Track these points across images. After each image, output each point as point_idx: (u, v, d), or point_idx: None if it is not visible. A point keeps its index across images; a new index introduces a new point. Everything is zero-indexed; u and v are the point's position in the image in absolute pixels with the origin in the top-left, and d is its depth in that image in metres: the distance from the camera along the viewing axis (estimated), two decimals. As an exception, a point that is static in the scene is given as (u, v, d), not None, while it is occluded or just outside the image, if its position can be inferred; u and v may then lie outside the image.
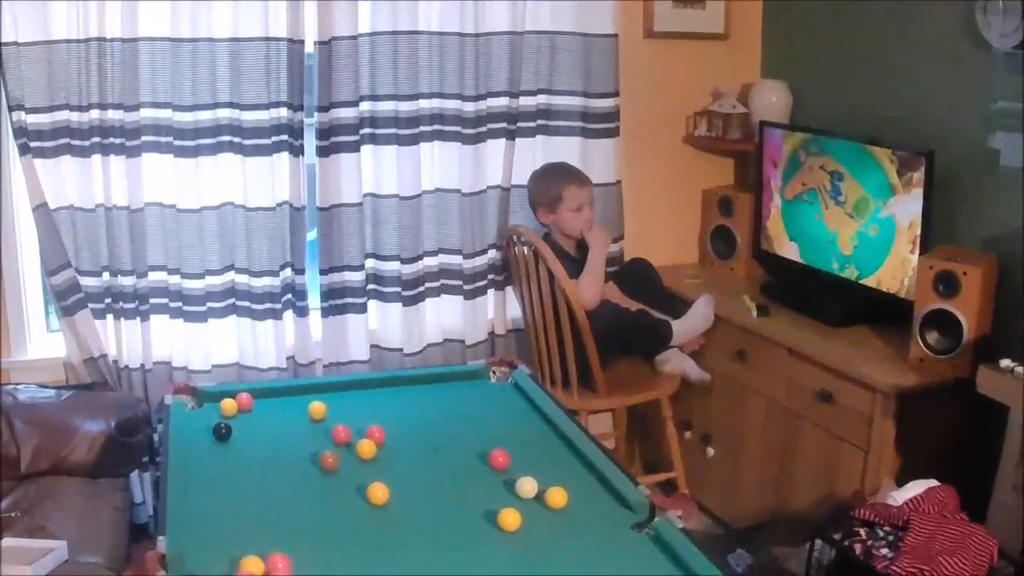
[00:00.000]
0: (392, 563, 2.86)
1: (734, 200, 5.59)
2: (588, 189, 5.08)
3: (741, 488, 5.04)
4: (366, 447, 3.43)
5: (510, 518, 2.98)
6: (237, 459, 3.46)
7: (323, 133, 4.91)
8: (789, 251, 5.22)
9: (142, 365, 4.99)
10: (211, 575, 2.74)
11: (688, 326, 5.04)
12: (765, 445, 4.87)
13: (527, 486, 3.16)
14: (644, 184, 5.65)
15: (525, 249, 4.88)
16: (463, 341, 5.32)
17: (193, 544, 2.86)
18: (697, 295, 5.13)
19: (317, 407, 3.74)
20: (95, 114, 4.70)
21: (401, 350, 5.23)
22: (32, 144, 4.66)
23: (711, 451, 5.24)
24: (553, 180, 5.07)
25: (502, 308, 5.41)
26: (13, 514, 4.41)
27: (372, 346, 5.22)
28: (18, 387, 4.87)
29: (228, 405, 3.74)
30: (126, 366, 4.99)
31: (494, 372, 4.17)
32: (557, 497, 3.11)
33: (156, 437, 4.88)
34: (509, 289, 5.38)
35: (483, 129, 5.13)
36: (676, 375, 5.08)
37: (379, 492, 3.13)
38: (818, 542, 3.76)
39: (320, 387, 4.08)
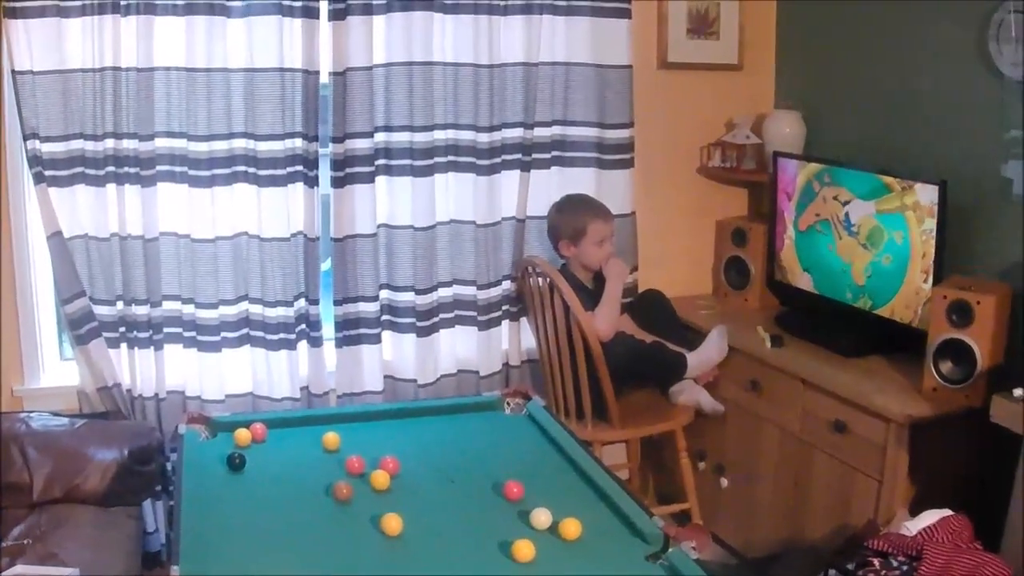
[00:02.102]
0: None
1: (748, 231, 5.58)
2: (611, 223, 5.10)
3: (755, 518, 5.02)
4: (380, 478, 3.42)
5: (524, 549, 2.97)
6: (251, 489, 3.45)
7: (338, 164, 4.93)
8: (803, 282, 5.21)
9: (156, 394, 5.00)
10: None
11: (702, 357, 5.04)
12: (779, 475, 4.86)
13: (541, 517, 3.15)
14: (658, 215, 5.66)
15: (540, 280, 4.88)
16: (477, 372, 5.32)
17: (207, 573, 2.86)
18: (711, 326, 5.13)
19: (331, 438, 3.73)
20: (110, 143, 4.72)
21: (415, 381, 5.23)
22: (47, 173, 4.69)
23: (725, 482, 5.22)
24: (578, 213, 5.06)
25: (516, 339, 5.41)
26: (25, 541, 4.41)
27: (386, 377, 5.23)
28: (31, 415, 4.88)
29: (242, 435, 3.73)
30: (140, 395, 5.00)
31: (508, 403, 4.16)
32: (571, 528, 3.09)
33: (169, 466, 4.90)
34: (524, 320, 5.38)
35: (498, 160, 5.15)
36: (690, 406, 5.07)
37: (393, 523, 3.12)
38: (832, 572, 3.75)
39: (334, 418, 4.07)
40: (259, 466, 3.58)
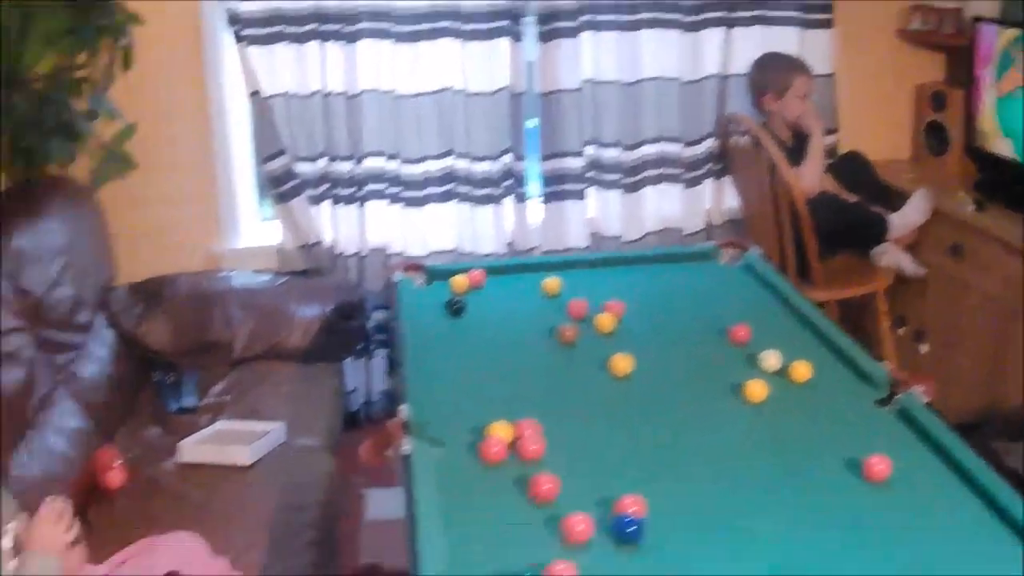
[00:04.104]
0: (641, 432, 2.86)
1: (947, 95, 5.44)
2: (813, 80, 5.06)
3: (955, 384, 4.94)
4: (605, 320, 3.41)
5: (757, 389, 2.96)
6: (473, 333, 3.47)
7: (544, 18, 4.90)
8: (1003, 148, 5.08)
9: (358, 252, 5.04)
10: (456, 441, 2.76)
11: (905, 219, 4.96)
12: (980, 340, 4.78)
13: (771, 359, 3.12)
14: (857, 76, 5.53)
15: (744, 138, 4.82)
16: (681, 230, 5.27)
17: (435, 413, 2.87)
18: (912, 189, 5.03)
19: (551, 283, 3.73)
20: (310, 1, 4.73)
21: (619, 238, 5.21)
22: (246, 32, 4.72)
23: (925, 347, 5.15)
24: (784, 67, 5.04)
25: (719, 197, 5.35)
26: (227, 398, 4.49)
27: (591, 233, 5.20)
28: (232, 273, 4.95)
29: (459, 282, 3.74)
30: (341, 252, 5.05)
31: (724, 254, 4.10)
32: (802, 370, 3.07)
33: (370, 325, 4.94)
34: (727, 179, 5.32)
35: (701, 18, 5.07)
36: (892, 268, 5.01)
37: (622, 363, 3.11)
38: (1033, 439, 3.69)
39: (551, 265, 4.04)
40: (479, 311, 3.59)
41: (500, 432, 2.71)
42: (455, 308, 3.54)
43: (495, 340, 3.42)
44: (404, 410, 2.83)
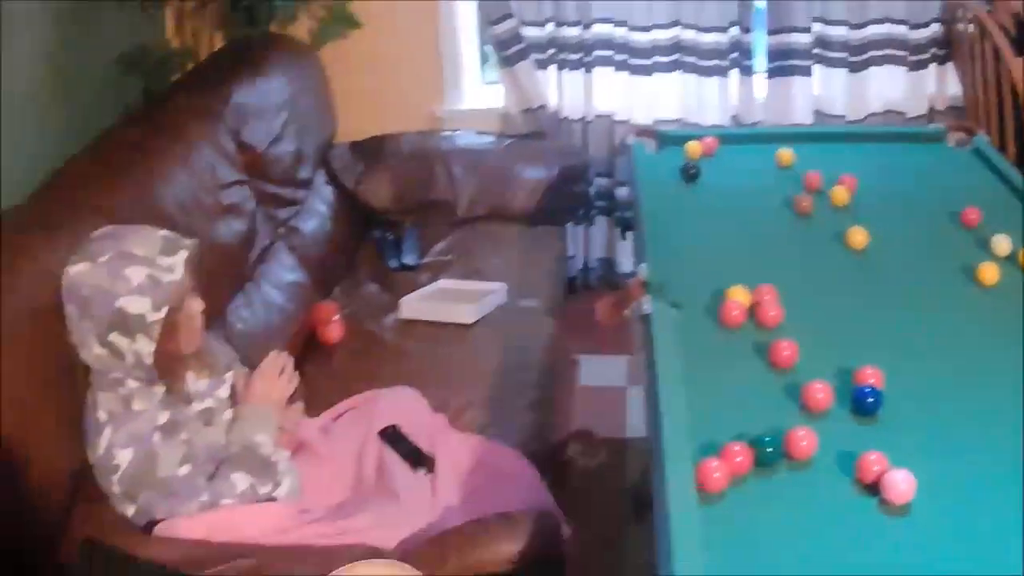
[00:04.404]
0: (877, 306, 2.82)
1: None
2: None
3: None
4: (840, 193, 3.35)
5: (989, 272, 2.88)
6: (707, 199, 3.45)
7: None
8: None
9: (583, 117, 5.04)
10: (694, 304, 2.75)
11: None
12: None
13: (1003, 243, 3.04)
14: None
15: (970, 26, 4.68)
16: (904, 114, 5.14)
17: (673, 274, 2.85)
18: None
19: (785, 154, 3.67)
20: None
21: (843, 117, 5.11)
22: None
23: None
24: None
25: (943, 83, 5.20)
26: (449, 257, 4.52)
27: (815, 111, 5.11)
28: (456, 133, 4.97)
29: (693, 147, 3.70)
30: (566, 117, 5.05)
31: (952, 137, 4.00)
32: (1033, 256, 2.99)
33: (591, 191, 4.94)
34: (950, 65, 5.17)
35: None
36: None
37: (859, 236, 3.07)
38: None
39: (781, 136, 3.95)
40: (713, 178, 3.56)
41: (739, 296, 2.70)
42: (690, 173, 3.52)
43: (730, 207, 3.39)
44: (643, 270, 2.83)
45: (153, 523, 2.80)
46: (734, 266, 2.94)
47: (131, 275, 2.72)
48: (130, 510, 2.82)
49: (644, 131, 3.94)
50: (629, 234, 3.59)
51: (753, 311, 2.68)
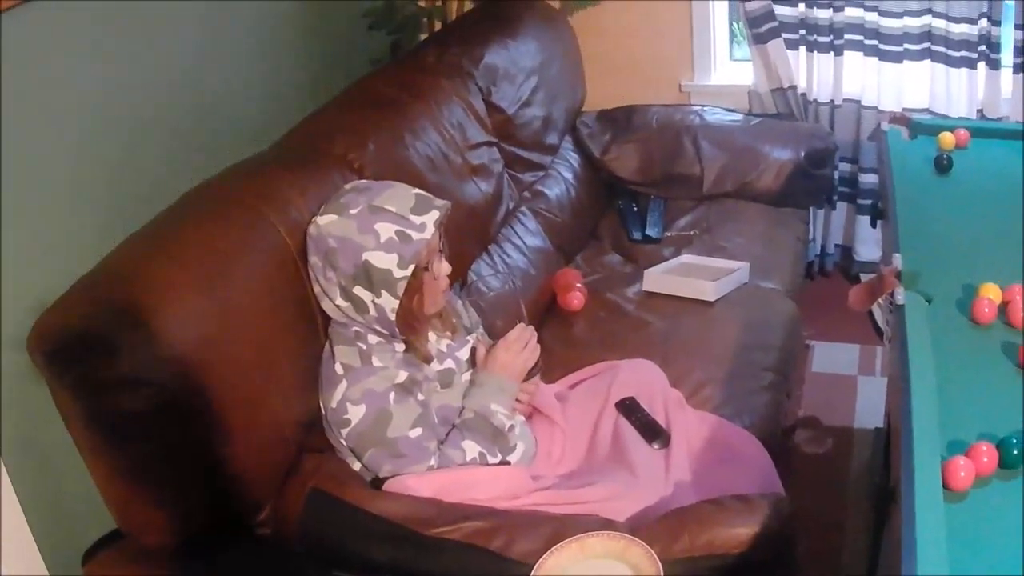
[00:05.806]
0: None
1: None
2: None
3: None
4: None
5: None
6: (960, 192, 3.36)
7: None
8: None
9: (831, 100, 4.98)
10: (945, 296, 2.70)
11: None
12: None
13: None
14: None
15: None
16: None
17: (927, 265, 2.81)
18: None
19: (1039, 151, 3.58)
20: None
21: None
22: None
23: None
24: None
25: None
26: (693, 232, 4.51)
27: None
28: (705, 108, 4.96)
29: (946, 138, 3.62)
30: (815, 99, 5.00)
31: None
32: None
33: (836, 175, 4.87)
34: None
35: None
36: None
37: None
38: None
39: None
40: (966, 171, 3.48)
41: (991, 293, 2.64)
42: (943, 164, 3.45)
43: (982, 201, 3.30)
44: (898, 259, 2.79)
45: (380, 478, 2.85)
46: (986, 262, 2.87)
47: (381, 230, 2.76)
48: (355, 465, 2.88)
49: (898, 118, 3.87)
50: (879, 223, 3.52)
51: (1003, 310, 2.63)
